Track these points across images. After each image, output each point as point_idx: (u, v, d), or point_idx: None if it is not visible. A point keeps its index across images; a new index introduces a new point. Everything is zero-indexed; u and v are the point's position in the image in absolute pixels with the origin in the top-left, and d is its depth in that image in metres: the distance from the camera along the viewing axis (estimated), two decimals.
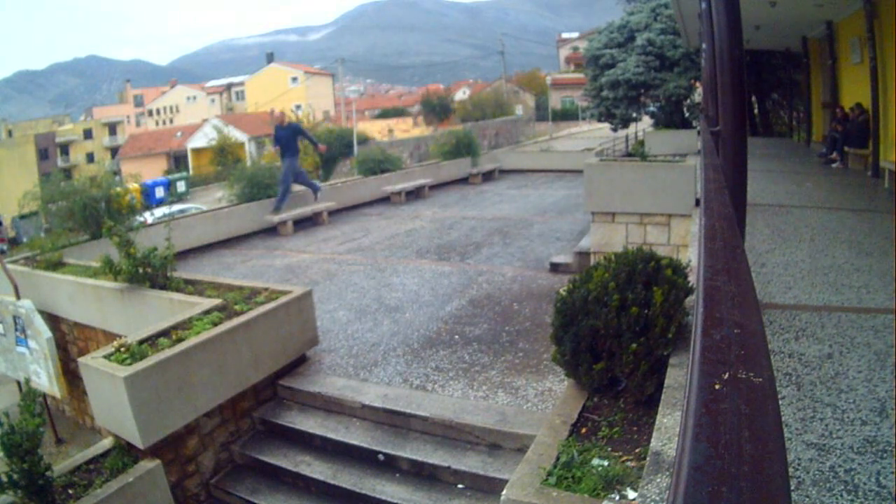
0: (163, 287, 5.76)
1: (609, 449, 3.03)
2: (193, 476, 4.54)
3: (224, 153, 40.07)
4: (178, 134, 49.70)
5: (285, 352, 5.25)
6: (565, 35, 77.21)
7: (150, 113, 68.29)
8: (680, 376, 2.89)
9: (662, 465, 2.17)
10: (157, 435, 4.16)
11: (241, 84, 67.59)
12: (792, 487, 1.77)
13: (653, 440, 2.37)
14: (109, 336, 5.96)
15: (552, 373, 4.74)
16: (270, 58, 66.39)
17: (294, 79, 59.97)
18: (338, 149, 31.33)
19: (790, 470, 1.86)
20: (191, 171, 42.59)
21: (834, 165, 9.46)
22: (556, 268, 8.04)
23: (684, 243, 6.86)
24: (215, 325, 4.72)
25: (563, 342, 3.56)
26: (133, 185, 11.59)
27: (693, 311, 2.04)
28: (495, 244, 9.77)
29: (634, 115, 21.87)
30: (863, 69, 8.67)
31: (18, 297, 6.18)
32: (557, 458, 2.94)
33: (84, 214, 8.76)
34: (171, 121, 64.34)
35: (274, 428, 4.93)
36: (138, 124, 64.96)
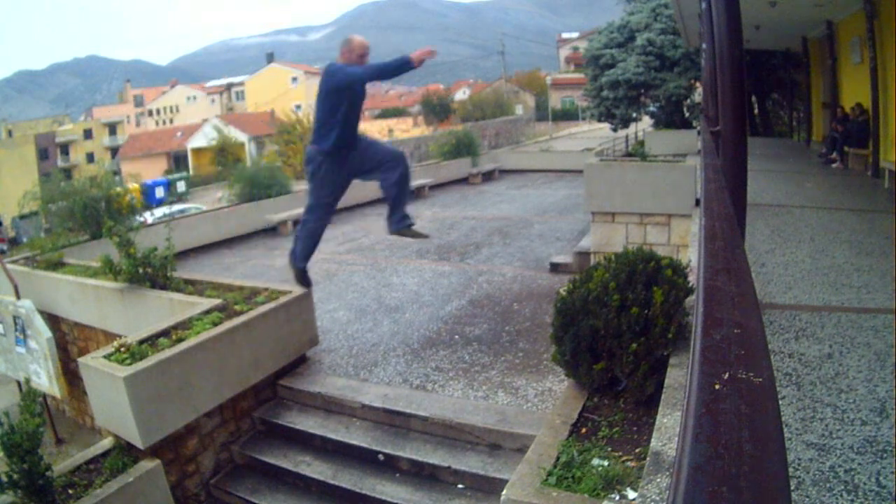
0: (163, 287, 5.76)
1: (609, 449, 3.03)
2: (193, 476, 4.54)
3: (224, 153, 40.05)
4: (178, 134, 49.64)
5: (285, 352, 5.25)
6: (565, 35, 77.08)
7: (150, 113, 68.23)
8: (680, 376, 2.89)
9: (662, 465, 2.17)
10: (157, 435, 4.16)
11: (241, 84, 67.49)
12: (792, 487, 1.77)
13: (653, 440, 2.37)
14: (109, 336, 5.96)
15: (552, 373, 4.74)
16: (270, 58, 66.38)
17: (294, 79, 59.90)
18: None
19: (790, 470, 1.86)
20: (191, 172, 42.52)
21: (834, 165, 9.45)
22: (556, 268, 8.04)
23: (684, 243, 6.86)
24: (215, 325, 4.73)
25: (563, 342, 3.56)
26: (133, 186, 11.61)
27: (693, 311, 2.04)
28: (495, 244, 9.76)
29: (634, 115, 21.87)
30: (863, 69, 8.66)
31: (18, 297, 6.18)
32: (557, 458, 2.94)
33: (84, 214, 8.79)
34: (171, 121, 64.28)
35: (274, 428, 4.93)
36: (138, 124, 64.84)
